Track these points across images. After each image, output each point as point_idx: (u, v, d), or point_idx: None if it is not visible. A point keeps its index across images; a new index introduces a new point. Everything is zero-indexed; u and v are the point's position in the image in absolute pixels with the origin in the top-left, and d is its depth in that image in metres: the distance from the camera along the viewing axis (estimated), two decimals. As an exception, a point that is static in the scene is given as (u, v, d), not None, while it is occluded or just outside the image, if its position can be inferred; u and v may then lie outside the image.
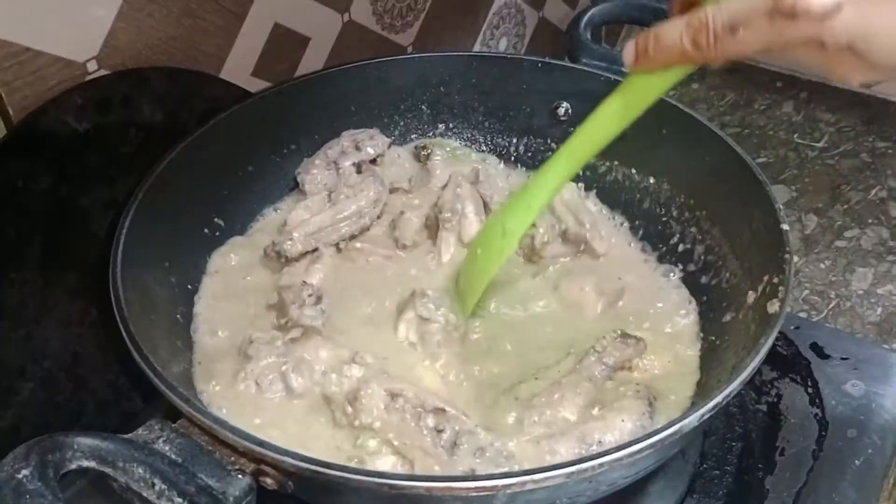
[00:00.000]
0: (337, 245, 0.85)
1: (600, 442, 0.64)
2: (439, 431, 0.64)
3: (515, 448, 0.65)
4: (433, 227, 0.87)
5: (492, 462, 0.63)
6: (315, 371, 0.71)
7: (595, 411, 0.67)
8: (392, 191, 0.90)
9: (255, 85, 0.92)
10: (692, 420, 0.54)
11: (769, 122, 1.41)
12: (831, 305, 1.09)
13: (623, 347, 0.72)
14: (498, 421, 0.68)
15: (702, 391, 0.70)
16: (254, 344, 0.72)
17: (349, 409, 0.66)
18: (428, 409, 0.66)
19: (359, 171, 0.90)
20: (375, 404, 0.65)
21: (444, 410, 0.65)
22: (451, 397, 0.70)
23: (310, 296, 0.75)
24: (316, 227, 0.83)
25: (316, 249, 0.83)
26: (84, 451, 0.51)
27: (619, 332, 0.73)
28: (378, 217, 0.87)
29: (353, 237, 0.85)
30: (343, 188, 0.86)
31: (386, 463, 0.64)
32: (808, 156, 1.34)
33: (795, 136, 1.38)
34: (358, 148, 0.91)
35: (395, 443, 0.65)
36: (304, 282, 0.78)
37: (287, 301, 0.75)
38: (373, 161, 0.91)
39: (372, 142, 0.91)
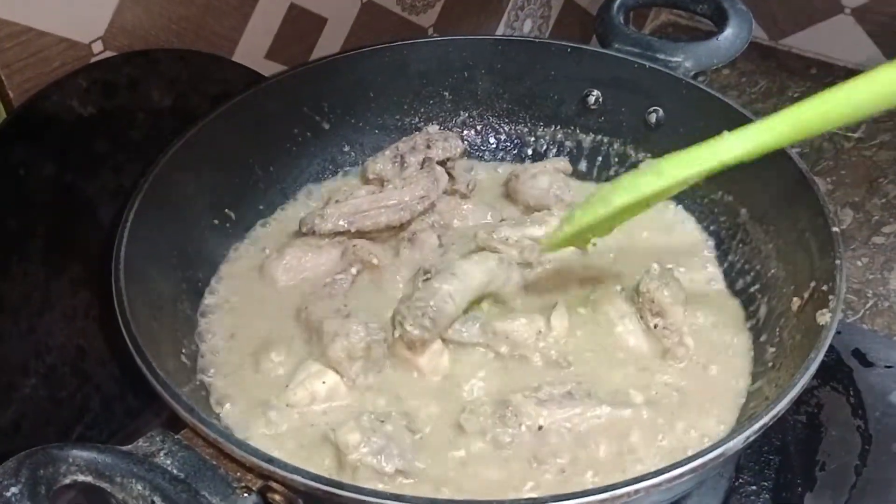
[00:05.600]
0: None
1: None
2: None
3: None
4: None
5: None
6: None
7: None
8: (450, 193, 0.86)
9: (269, 68, 0.89)
10: (737, 443, 0.50)
11: (803, 110, 1.36)
12: (868, 305, 1.04)
13: None
14: None
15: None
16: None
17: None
18: None
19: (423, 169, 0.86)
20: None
21: None
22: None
23: None
24: (352, 209, 0.80)
25: (347, 232, 0.80)
26: (79, 464, 0.49)
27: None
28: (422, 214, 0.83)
29: (389, 228, 0.81)
30: (396, 180, 0.84)
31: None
32: (844, 146, 1.29)
33: (831, 125, 1.33)
34: (429, 146, 0.87)
35: None
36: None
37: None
38: (442, 163, 0.87)
39: (445, 143, 0.88)
